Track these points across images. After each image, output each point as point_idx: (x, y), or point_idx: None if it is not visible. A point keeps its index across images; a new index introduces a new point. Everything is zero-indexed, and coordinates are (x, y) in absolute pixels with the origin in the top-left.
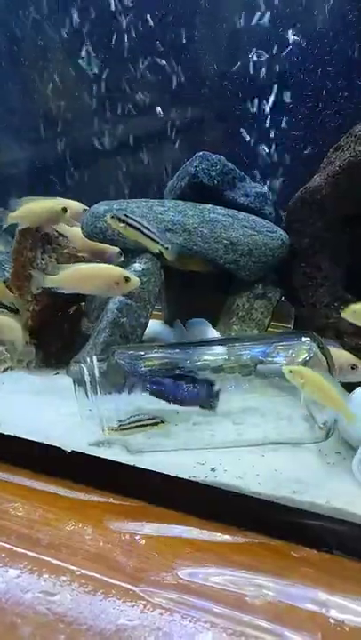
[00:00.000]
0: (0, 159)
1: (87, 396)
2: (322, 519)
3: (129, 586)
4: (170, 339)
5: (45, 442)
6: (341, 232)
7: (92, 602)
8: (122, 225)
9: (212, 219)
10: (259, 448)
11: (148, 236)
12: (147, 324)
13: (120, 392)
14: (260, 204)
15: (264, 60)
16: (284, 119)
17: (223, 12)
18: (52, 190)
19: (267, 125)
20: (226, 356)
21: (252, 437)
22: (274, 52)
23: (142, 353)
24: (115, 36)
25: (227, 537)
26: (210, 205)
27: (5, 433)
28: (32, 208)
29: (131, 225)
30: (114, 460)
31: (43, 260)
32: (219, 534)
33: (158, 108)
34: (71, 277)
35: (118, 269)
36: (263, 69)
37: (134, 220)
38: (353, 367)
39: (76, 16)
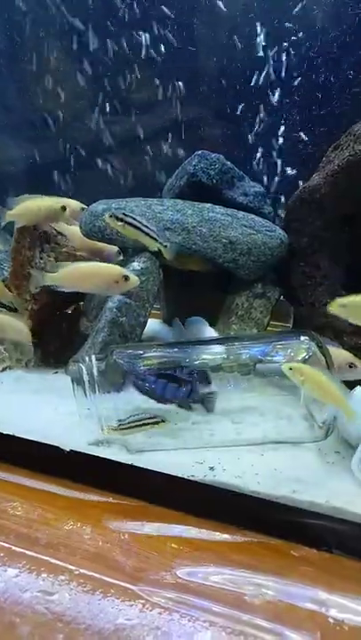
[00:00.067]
0: None
1: (86, 395)
2: (321, 518)
3: (128, 585)
4: (169, 338)
5: (44, 441)
6: (340, 231)
7: (91, 601)
8: (120, 224)
9: (210, 218)
10: (258, 447)
11: (147, 234)
12: (145, 323)
13: (119, 391)
14: (258, 204)
15: None
16: None
17: None
18: (50, 189)
19: None
20: (225, 355)
21: (251, 436)
22: None
23: (141, 352)
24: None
25: (226, 536)
26: (209, 204)
27: (4, 432)
28: (30, 206)
29: (129, 223)
30: (113, 459)
31: (41, 259)
32: (218, 533)
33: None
34: (70, 275)
35: (118, 268)
36: None
37: (133, 218)
38: (351, 365)
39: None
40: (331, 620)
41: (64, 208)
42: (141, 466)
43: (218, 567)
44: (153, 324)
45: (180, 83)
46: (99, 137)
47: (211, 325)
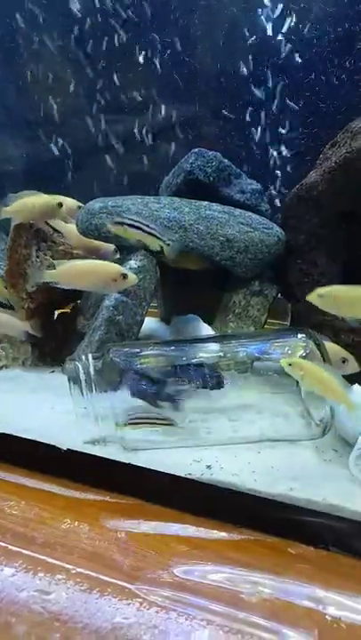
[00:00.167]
0: None
1: (82, 393)
2: (318, 516)
3: (125, 584)
4: (166, 336)
5: (41, 440)
6: (338, 228)
7: (88, 600)
8: (121, 228)
9: (208, 215)
10: (255, 445)
11: (149, 234)
12: (142, 321)
13: (115, 390)
14: (256, 201)
15: None
16: None
17: None
18: (50, 187)
19: None
20: (222, 353)
21: (248, 434)
22: None
23: (138, 350)
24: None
25: (223, 534)
26: (206, 202)
27: (0, 431)
28: (26, 202)
29: (131, 225)
30: (109, 457)
31: (37, 257)
32: (215, 532)
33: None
34: (68, 273)
35: (116, 266)
36: None
37: (133, 219)
38: (344, 361)
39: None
40: (328, 618)
41: (60, 204)
42: (138, 464)
43: (215, 565)
44: (150, 323)
45: (179, 80)
46: (94, 135)
47: (208, 324)
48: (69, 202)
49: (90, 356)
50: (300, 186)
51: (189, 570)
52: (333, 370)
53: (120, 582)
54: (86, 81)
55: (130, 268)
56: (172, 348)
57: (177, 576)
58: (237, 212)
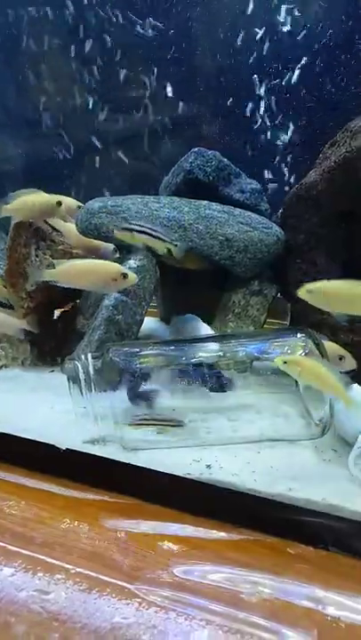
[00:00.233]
0: None
1: (82, 393)
2: (318, 516)
3: (124, 584)
4: (165, 336)
5: (40, 439)
6: (337, 228)
7: (87, 600)
8: (128, 234)
9: (207, 215)
10: (255, 445)
11: (157, 237)
12: (142, 321)
13: (115, 389)
14: (255, 201)
15: None
16: None
17: None
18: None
19: None
20: (221, 353)
21: (247, 434)
22: None
23: (137, 350)
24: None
25: (222, 534)
26: (205, 202)
27: (0, 431)
28: (26, 201)
29: (137, 231)
30: (109, 457)
31: (37, 256)
32: (214, 531)
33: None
34: (68, 272)
35: (116, 266)
36: None
37: (139, 225)
38: (340, 358)
39: None
40: (327, 618)
41: (59, 203)
42: (138, 464)
43: (214, 565)
44: (149, 322)
45: (179, 80)
46: (94, 134)
47: (208, 323)
48: (69, 201)
49: (89, 355)
50: (300, 185)
51: (189, 570)
52: (331, 366)
53: (119, 582)
54: (86, 80)
55: (129, 268)
56: (172, 347)
57: (176, 576)
58: (237, 211)
